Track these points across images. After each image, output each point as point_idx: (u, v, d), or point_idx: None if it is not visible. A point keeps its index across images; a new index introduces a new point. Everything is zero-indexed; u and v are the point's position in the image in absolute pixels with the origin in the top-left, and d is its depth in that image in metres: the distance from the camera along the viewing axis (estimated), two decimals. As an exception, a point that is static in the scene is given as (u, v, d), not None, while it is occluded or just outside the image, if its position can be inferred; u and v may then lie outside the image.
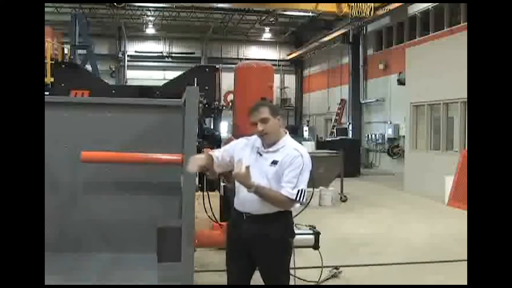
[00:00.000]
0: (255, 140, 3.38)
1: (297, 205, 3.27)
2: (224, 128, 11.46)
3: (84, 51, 16.63)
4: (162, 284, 3.55)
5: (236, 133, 4.37)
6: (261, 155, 3.28)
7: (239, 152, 3.36)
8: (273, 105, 3.54)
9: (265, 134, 3.23)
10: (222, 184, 5.26)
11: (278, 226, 3.28)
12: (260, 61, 5.17)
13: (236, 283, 3.43)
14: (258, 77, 4.37)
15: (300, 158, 3.20)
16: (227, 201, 4.46)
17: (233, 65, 5.22)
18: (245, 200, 3.26)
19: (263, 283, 3.39)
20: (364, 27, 22.19)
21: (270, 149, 3.28)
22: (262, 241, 3.24)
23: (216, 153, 3.43)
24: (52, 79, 9.42)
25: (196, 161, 3.07)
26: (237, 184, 3.26)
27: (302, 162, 3.20)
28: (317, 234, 4.27)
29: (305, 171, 3.20)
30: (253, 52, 30.22)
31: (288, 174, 3.15)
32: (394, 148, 19.36)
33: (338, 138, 20.11)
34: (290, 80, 31.32)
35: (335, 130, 22.81)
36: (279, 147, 3.27)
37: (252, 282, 3.50)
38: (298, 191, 3.14)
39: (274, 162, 3.22)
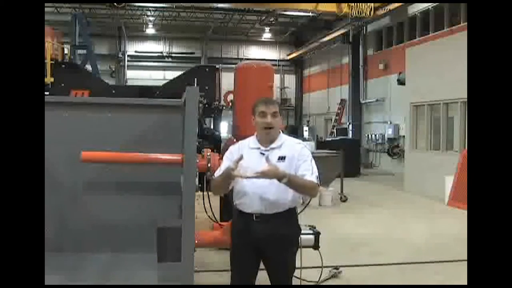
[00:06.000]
0: (247, 142, 3.39)
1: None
2: (224, 128, 11.42)
3: (84, 51, 16.65)
4: (162, 284, 3.55)
5: (236, 133, 4.36)
6: (263, 154, 3.27)
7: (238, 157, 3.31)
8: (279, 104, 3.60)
9: (271, 128, 3.27)
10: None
11: (289, 223, 3.35)
12: (260, 61, 5.16)
13: (247, 283, 3.39)
14: (258, 77, 4.36)
15: (305, 148, 3.40)
16: (227, 202, 4.45)
17: (233, 65, 5.22)
18: (255, 200, 3.24)
19: (260, 283, 3.40)
20: (364, 27, 22.17)
21: (272, 146, 3.31)
22: (277, 240, 3.26)
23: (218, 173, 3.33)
24: (52, 79, 9.39)
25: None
26: (241, 185, 3.24)
27: (308, 152, 3.39)
28: (317, 234, 4.25)
29: (313, 160, 3.36)
30: (253, 52, 30.23)
31: (303, 164, 3.28)
32: (394, 148, 19.34)
33: (338, 138, 20.10)
34: (290, 80, 31.31)
35: (335, 130, 22.80)
36: (280, 143, 3.33)
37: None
38: (316, 176, 3.29)
39: (282, 158, 3.26)
